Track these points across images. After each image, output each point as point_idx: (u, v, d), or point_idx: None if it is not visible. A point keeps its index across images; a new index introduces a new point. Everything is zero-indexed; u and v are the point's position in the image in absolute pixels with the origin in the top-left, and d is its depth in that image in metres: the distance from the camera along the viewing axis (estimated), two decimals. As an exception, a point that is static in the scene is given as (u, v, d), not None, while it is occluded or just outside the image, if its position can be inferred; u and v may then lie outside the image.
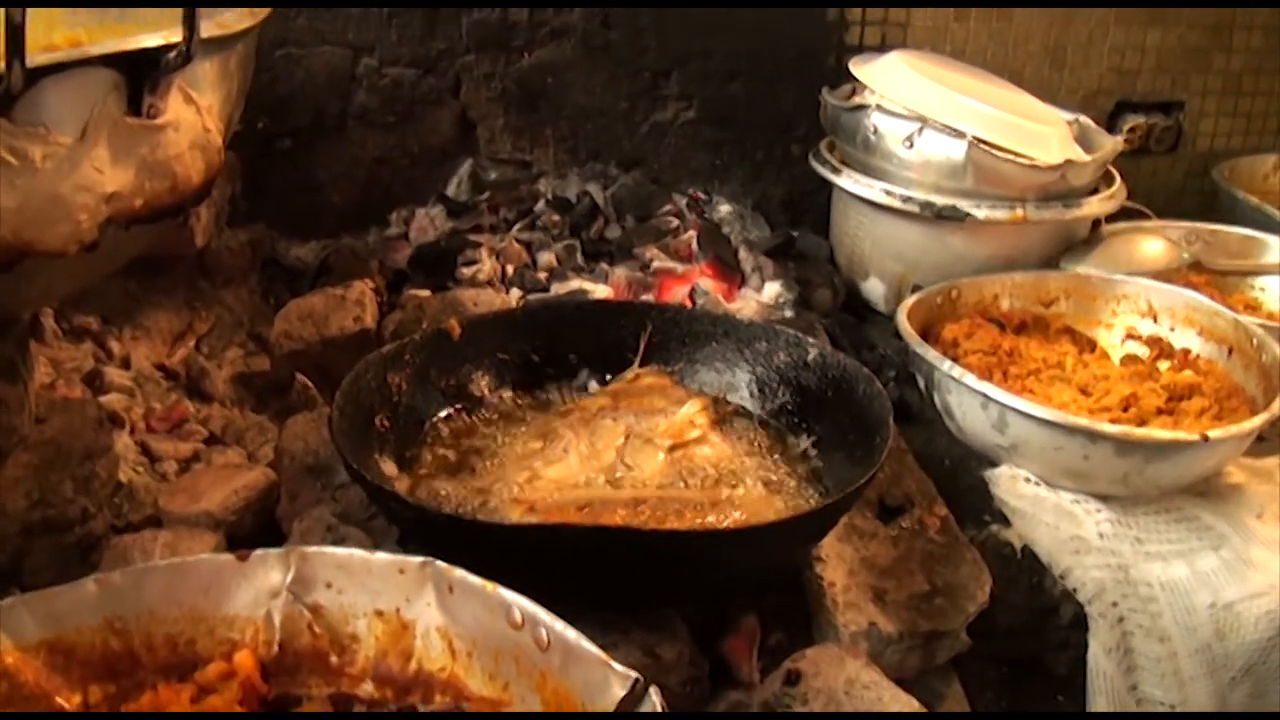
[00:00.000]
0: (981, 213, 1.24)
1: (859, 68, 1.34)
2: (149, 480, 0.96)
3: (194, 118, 0.85)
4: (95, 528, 0.86)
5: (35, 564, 0.83)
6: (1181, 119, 1.70)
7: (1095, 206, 1.29)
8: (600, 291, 1.25)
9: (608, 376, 1.05)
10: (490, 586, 0.67)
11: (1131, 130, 1.66)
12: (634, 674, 0.60)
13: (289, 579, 0.71)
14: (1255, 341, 1.11)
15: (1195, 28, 1.65)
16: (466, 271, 1.26)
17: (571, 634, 0.63)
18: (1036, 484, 1.02)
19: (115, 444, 0.94)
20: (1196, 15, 1.64)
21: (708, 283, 1.27)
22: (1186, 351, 1.17)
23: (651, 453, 0.93)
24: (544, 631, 0.64)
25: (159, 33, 0.80)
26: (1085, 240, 1.33)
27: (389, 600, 0.70)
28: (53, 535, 0.84)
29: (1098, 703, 0.98)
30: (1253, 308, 1.34)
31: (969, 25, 1.54)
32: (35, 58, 0.73)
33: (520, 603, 0.66)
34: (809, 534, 0.83)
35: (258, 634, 0.71)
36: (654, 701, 0.60)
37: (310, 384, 1.09)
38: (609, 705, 0.60)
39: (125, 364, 1.12)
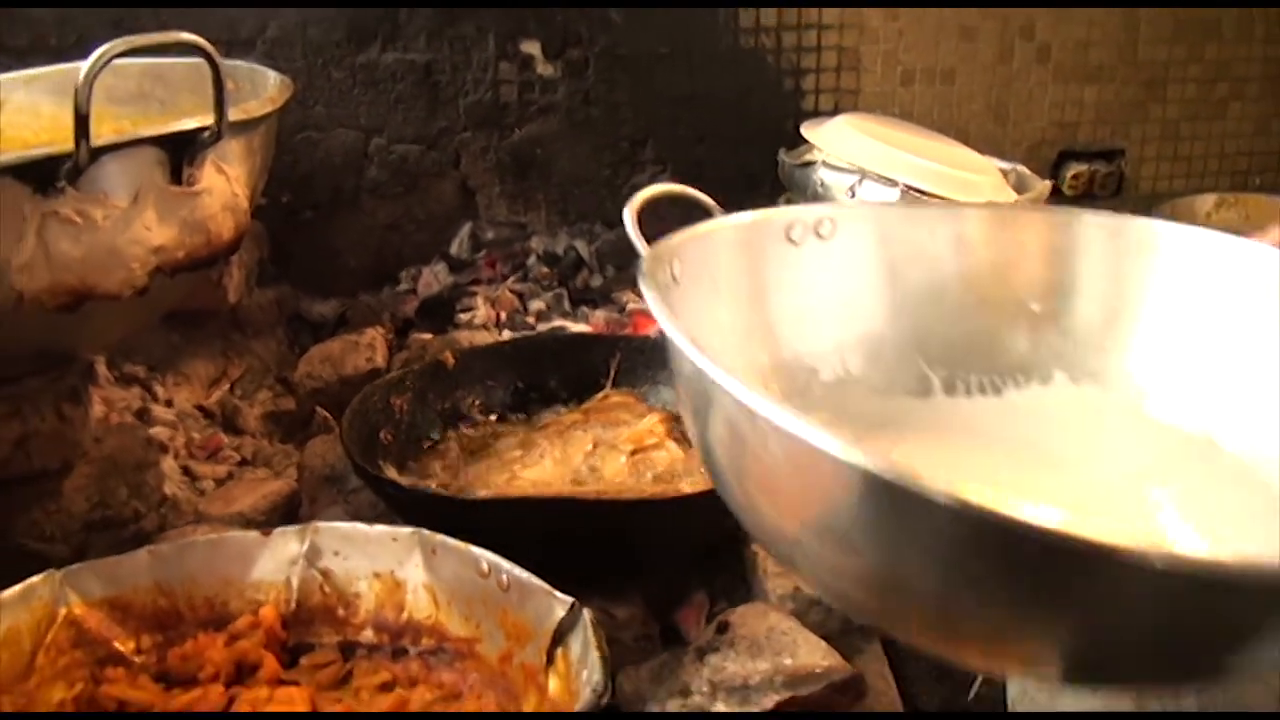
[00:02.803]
0: (917, 251, 1.39)
1: (809, 130, 1.51)
2: (190, 495, 1.12)
3: (225, 185, 0.99)
4: (146, 525, 1.03)
5: (95, 556, 0.99)
6: (1123, 165, 1.84)
7: (1023, 243, 1.43)
8: (579, 328, 1.41)
9: (581, 398, 1.20)
10: (464, 546, 0.81)
11: (1075, 177, 1.81)
12: (571, 599, 0.76)
13: (304, 549, 0.84)
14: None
15: (1131, 83, 1.81)
16: (464, 317, 1.43)
17: (524, 574, 0.77)
18: (956, 477, 1.16)
19: (161, 464, 1.11)
20: (1132, 72, 1.80)
21: (677, 320, 1.43)
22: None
23: (614, 457, 1.08)
24: (505, 576, 0.78)
25: (194, 118, 0.98)
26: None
27: (385, 563, 0.84)
28: (110, 531, 1.00)
29: None
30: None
31: (914, 90, 1.71)
32: (96, 139, 0.90)
33: (487, 555, 0.79)
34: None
35: (279, 594, 0.84)
36: (586, 621, 0.75)
37: (329, 416, 1.25)
38: (552, 625, 0.75)
39: (169, 404, 1.29)
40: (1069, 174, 1.80)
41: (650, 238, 0.69)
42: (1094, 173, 1.83)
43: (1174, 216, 1.73)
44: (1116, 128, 1.83)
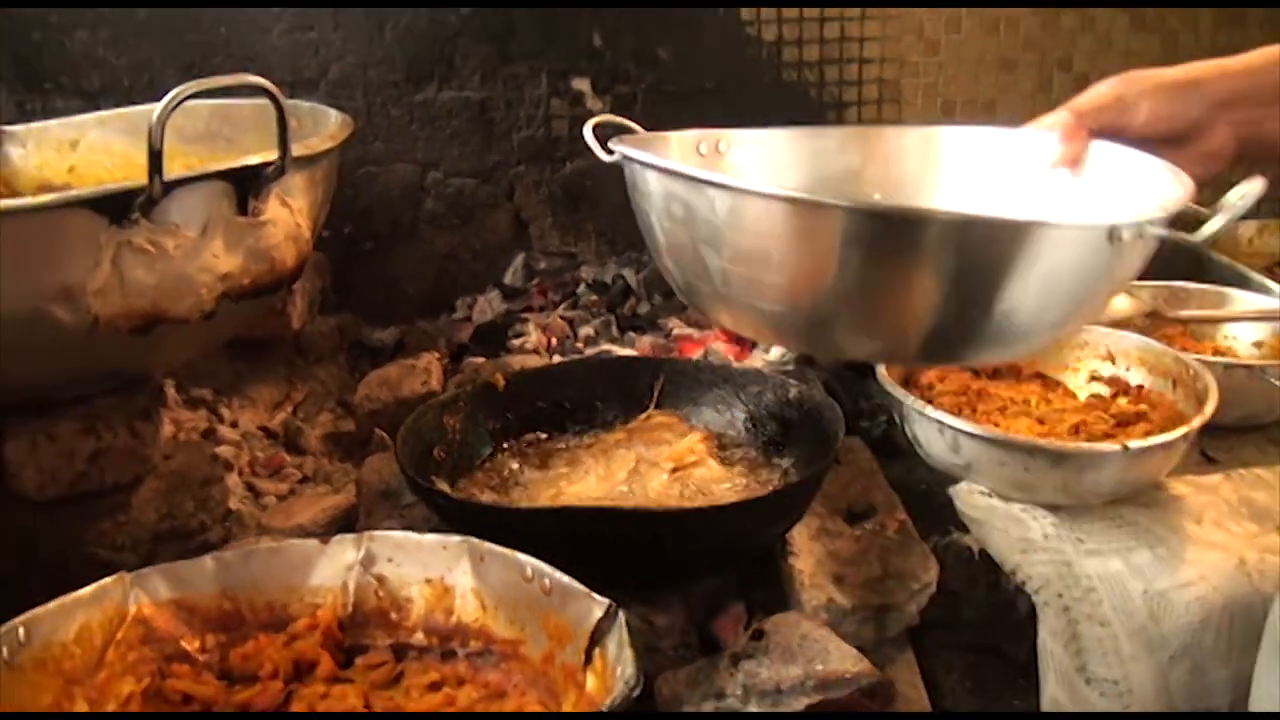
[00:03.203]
0: (955, 276, 1.42)
1: (850, 160, 1.56)
2: (253, 509, 1.18)
3: (288, 217, 1.06)
4: (211, 537, 1.08)
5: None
6: (1164, 192, 1.86)
7: (1059, 268, 1.46)
8: (625, 353, 1.46)
9: (626, 418, 1.24)
10: (510, 553, 0.85)
11: (1117, 205, 1.83)
12: (608, 601, 0.80)
13: (360, 556, 0.90)
14: (1192, 373, 1.27)
15: (1173, 112, 1.83)
16: (516, 342, 1.49)
17: (565, 579, 0.82)
18: (990, 496, 1.18)
19: (226, 480, 1.17)
20: (1173, 102, 1.82)
21: (720, 346, 1.48)
22: (1140, 387, 1.33)
23: (656, 474, 1.12)
24: (547, 580, 0.83)
25: (260, 155, 1.02)
26: (1056, 298, 1.51)
27: (435, 570, 0.89)
28: (177, 542, 1.06)
29: (1048, 680, 1.12)
30: (1222, 353, 1.49)
31: (956, 118, 1.75)
32: (169, 174, 0.96)
33: (531, 561, 0.84)
34: (767, 514, 1.01)
35: (336, 599, 0.89)
36: (621, 621, 0.79)
37: (386, 436, 1.31)
38: (591, 626, 0.80)
39: (234, 425, 1.36)
40: (1111, 201, 1.82)
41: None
42: (1137, 200, 1.85)
43: (1216, 245, 1.75)
44: (1159, 155, 1.85)
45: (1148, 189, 0.96)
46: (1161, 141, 1.01)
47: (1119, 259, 0.83)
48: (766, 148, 1.11)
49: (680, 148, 1.08)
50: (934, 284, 0.80)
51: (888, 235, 0.79)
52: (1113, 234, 0.80)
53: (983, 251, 0.79)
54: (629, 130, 1.05)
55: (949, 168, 1.10)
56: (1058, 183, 1.02)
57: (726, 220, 0.83)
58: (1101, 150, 1.02)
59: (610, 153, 0.98)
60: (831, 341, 0.89)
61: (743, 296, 0.87)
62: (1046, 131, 1.03)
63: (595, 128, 1.03)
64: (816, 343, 0.99)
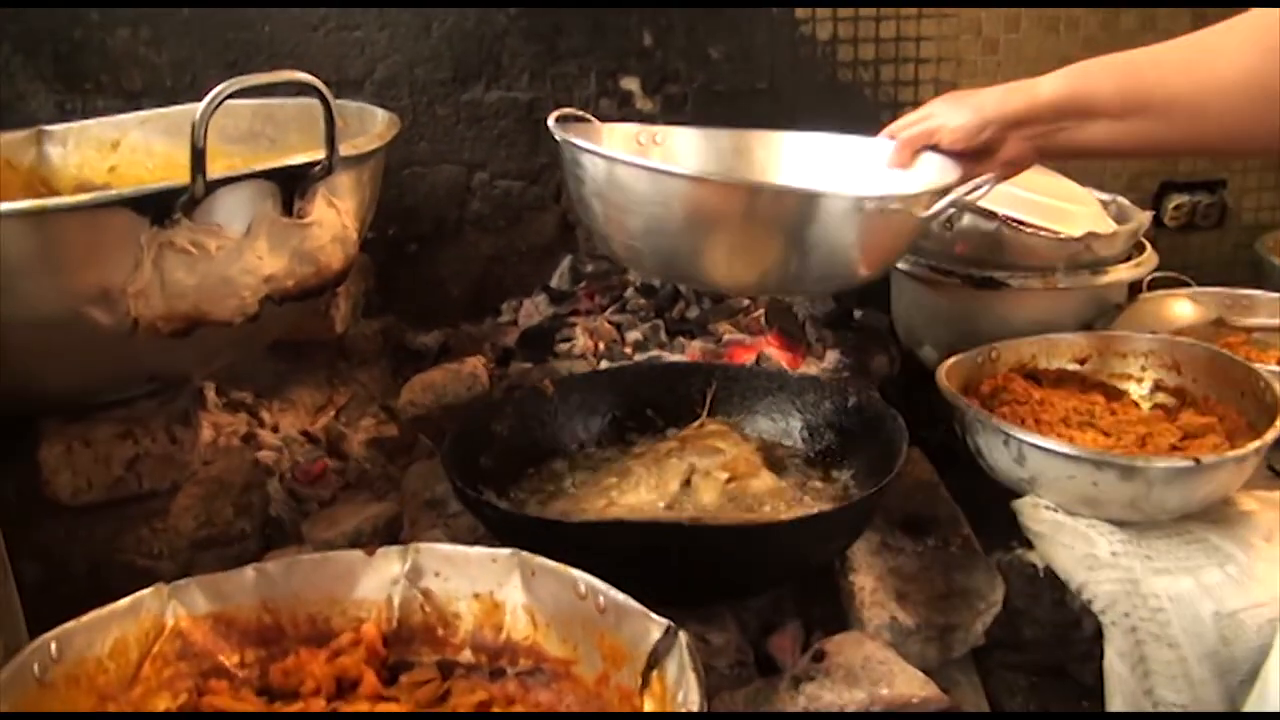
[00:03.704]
0: (1016, 281, 1.38)
1: (906, 161, 1.54)
2: (294, 516, 1.15)
3: (335, 218, 1.04)
4: (251, 545, 1.06)
5: (201, 573, 1.02)
6: (1225, 196, 1.81)
7: (1122, 273, 1.42)
8: (675, 358, 1.42)
9: (678, 426, 1.21)
10: (563, 568, 0.82)
11: (1177, 208, 1.78)
12: (667, 621, 0.76)
13: (406, 569, 0.86)
14: (1262, 384, 1.22)
15: (1234, 115, 1.78)
16: (564, 347, 1.45)
17: (621, 597, 0.78)
18: (1055, 511, 1.14)
19: (267, 486, 1.15)
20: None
21: (773, 352, 1.44)
22: (1207, 398, 1.29)
23: (710, 484, 1.09)
24: (601, 598, 0.79)
25: (303, 154, 1.00)
26: (1120, 305, 1.46)
27: (484, 584, 0.85)
28: (216, 549, 1.04)
29: (1114, 703, 1.08)
30: (1286, 363, 1.44)
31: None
32: (211, 174, 0.94)
33: (584, 577, 0.80)
34: (831, 530, 0.98)
35: (380, 612, 0.86)
36: (681, 643, 0.75)
37: (431, 442, 1.28)
38: (648, 647, 0.76)
39: (275, 429, 1.33)
40: (1170, 205, 1.77)
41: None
42: (1196, 204, 1.80)
43: (1275, 249, 1.71)
44: (1217, 159, 1.79)
45: (928, 179, 1.20)
46: (967, 153, 1.18)
47: (871, 222, 1.10)
48: (694, 142, 1.37)
49: (620, 137, 1.32)
50: (757, 231, 1.09)
51: (717, 198, 1.09)
52: (858, 204, 1.08)
53: (783, 210, 1.08)
54: (585, 120, 1.27)
55: (827, 162, 1.36)
56: (885, 176, 1.27)
57: (615, 184, 1.11)
58: (925, 156, 1.24)
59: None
60: (698, 273, 1.14)
61: (630, 240, 1.13)
62: (888, 140, 1.27)
63: (558, 119, 1.21)
64: (689, 275, 1.25)
